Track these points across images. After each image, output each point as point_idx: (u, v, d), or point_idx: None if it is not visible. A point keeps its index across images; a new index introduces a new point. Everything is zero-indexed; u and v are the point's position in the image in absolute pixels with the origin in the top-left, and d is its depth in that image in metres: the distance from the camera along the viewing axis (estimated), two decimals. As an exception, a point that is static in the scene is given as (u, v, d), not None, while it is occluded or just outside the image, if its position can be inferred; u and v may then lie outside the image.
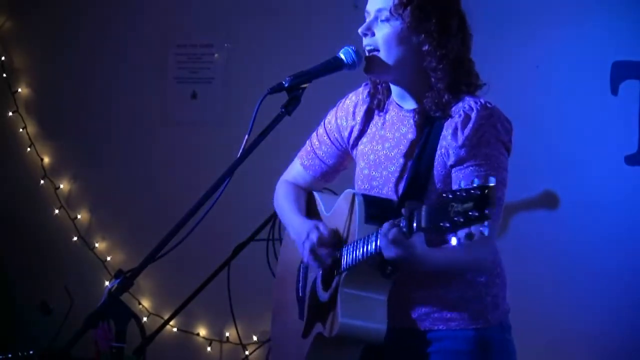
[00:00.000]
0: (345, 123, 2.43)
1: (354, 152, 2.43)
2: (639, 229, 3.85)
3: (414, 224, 1.91)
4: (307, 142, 2.55)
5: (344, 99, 2.48)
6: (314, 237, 2.27)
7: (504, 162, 2.17)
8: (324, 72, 2.24)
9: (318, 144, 2.50)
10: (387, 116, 2.35)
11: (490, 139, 2.15)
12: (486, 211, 1.72)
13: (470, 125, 2.15)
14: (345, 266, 2.22)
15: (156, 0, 4.55)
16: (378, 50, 2.23)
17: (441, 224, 1.79)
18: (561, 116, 3.94)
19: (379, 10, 2.22)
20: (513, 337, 2.32)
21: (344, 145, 2.46)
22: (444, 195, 1.79)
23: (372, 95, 2.37)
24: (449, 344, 2.25)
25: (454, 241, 1.78)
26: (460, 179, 2.12)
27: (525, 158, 3.79)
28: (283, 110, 2.19)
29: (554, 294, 3.89)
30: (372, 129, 2.38)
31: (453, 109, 2.20)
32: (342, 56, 2.26)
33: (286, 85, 2.18)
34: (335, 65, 2.25)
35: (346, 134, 2.43)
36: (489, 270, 2.28)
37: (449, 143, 2.18)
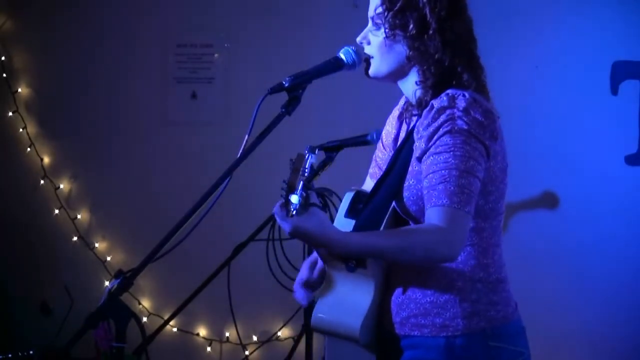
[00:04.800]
0: (390, 128, 2.45)
1: None
2: (639, 228, 3.86)
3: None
4: None
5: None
6: (302, 274, 2.38)
7: (470, 152, 2.07)
8: (324, 72, 2.25)
9: (377, 151, 2.52)
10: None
11: (452, 127, 2.08)
12: (289, 179, 1.89)
13: (431, 114, 2.13)
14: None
15: (156, 0, 4.55)
16: (372, 57, 2.25)
17: (284, 196, 1.96)
18: (561, 116, 3.94)
19: (371, 18, 2.24)
20: (508, 344, 2.20)
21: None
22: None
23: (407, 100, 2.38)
24: (420, 352, 2.18)
25: (290, 213, 1.97)
26: (423, 171, 2.10)
27: (526, 158, 3.81)
28: (283, 110, 2.19)
29: (553, 293, 3.89)
30: (401, 132, 2.40)
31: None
32: (342, 56, 2.26)
33: (286, 85, 2.18)
34: (335, 65, 2.26)
35: (390, 139, 2.44)
36: (468, 274, 2.18)
37: (417, 138, 2.17)
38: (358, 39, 2.26)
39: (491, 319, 2.17)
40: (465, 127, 2.08)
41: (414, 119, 2.29)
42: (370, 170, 2.55)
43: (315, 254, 2.39)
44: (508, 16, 3.92)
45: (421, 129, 2.14)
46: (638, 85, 3.85)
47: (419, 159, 2.14)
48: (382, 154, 2.49)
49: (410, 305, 2.20)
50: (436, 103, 2.14)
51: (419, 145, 2.14)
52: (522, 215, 3.89)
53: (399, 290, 2.22)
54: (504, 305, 2.20)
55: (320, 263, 2.36)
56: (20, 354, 4.32)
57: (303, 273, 2.37)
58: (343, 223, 2.23)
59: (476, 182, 2.07)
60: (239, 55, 4.44)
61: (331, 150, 2.51)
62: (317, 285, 2.34)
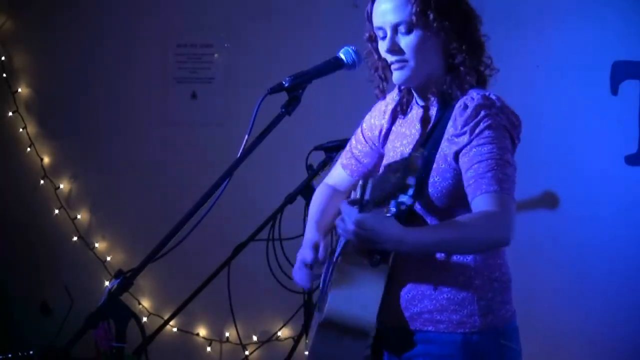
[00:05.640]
0: (377, 122, 2.47)
1: (384, 150, 2.45)
2: (639, 228, 3.86)
3: (364, 198, 1.96)
4: (348, 143, 2.58)
5: (382, 99, 2.49)
6: (306, 256, 2.33)
7: (508, 145, 2.17)
8: (324, 72, 2.25)
9: (355, 143, 2.53)
10: (409, 114, 2.38)
11: (492, 122, 2.15)
12: (407, 180, 1.80)
13: (468, 111, 2.17)
14: (337, 254, 2.26)
15: (156, 0, 4.55)
16: (407, 62, 2.23)
17: (378, 194, 1.87)
18: (561, 116, 3.94)
19: (397, 25, 2.21)
20: (515, 343, 2.27)
21: (376, 145, 2.48)
22: (386, 167, 1.87)
23: (400, 97, 2.39)
24: (435, 347, 2.23)
25: (388, 211, 1.88)
26: (464, 163, 2.14)
27: (525, 158, 3.78)
28: (283, 110, 2.20)
29: (553, 293, 3.90)
30: (397, 127, 2.41)
31: (458, 102, 2.22)
32: (342, 56, 2.27)
33: (286, 85, 2.19)
34: (335, 65, 2.26)
35: (377, 132, 2.46)
36: (486, 272, 2.24)
37: (450, 134, 2.20)
38: (387, 49, 2.23)
39: (502, 318, 2.25)
40: (503, 122, 2.16)
41: (428, 115, 2.31)
42: (344, 162, 2.55)
43: (313, 236, 2.39)
44: (509, 16, 3.92)
45: (459, 126, 2.17)
46: (638, 85, 3.85)
47: (457, 154, 2.17)
48: (362, 147, 2.50)
49: (423, 301, 2.23)
50: (470, 102, 2.18)
51: (459, 141, 2.17)
52: (522, 215, 3.89)
53: (409, 286, 2.25)
54: (510, 305, 2.28)
55: (322, 244, 2.36)
56: (20, 354, 4.32)
57: (307, 254, 2.34)
58: None
59: (514, 173, 2.14)
60: (239, 55, 4.44)
61: (331, 150, 2.53)
62: (320, 266, 2.34)
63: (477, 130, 2.14)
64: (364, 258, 2.17)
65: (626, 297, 3.85)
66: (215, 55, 4.49)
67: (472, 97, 2.20)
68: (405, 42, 2.22)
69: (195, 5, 4.48)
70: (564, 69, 3.93)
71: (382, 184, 1.87)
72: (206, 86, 4.50)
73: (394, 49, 2.22)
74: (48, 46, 4.66)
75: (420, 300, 2.24)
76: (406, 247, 2.04)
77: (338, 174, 2.57)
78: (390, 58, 2.25)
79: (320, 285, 2.53)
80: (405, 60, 2.23)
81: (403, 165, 1.85)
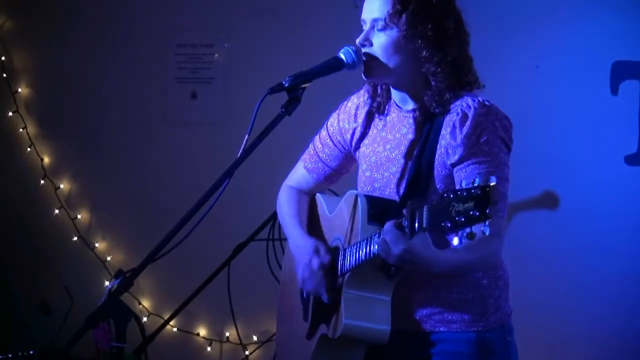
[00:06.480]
0: (347, 125, 2.44)
1: (357, 154, 2.44)
2: (639, 229, 3.86)
3: (416, 224, 1.94)
4: (310, 145, 2.56)
5: (346, 102, 2.48)
6: (314, 263, 2.32)
7: (504, 158, 2.18)
8: (324, 72, 2.25)
9: (321, 147, 2.51)
10: (387, 118, 2.36)
11: (489, 136, 2.15)
12: (487, 210, 1.76)
13: (468, 123, 2.16)
14: (348, 267, 2.24)
15: (156, 0, 4.55)
16: (373, 57, 2.25)
17: (442, 223, 1.83)
18: (561, 116, 3.94)
19: (375, 20, 2.23)
20: (515, 339, 2.32)
21: (346, 148, 2.46)
22: (445, 195, 1.83)
23: (372, 98, 2.37)
24: (449, 346, 2.26)
25: (455, 241, 1.82)
26: (462, 178, 2.13)
27: (525, 158, 3.79)
28: (283, 110, 2.19)
29: (553, 294, 3.90)
30: (373, 130, 2.39)
31: (452, 105, 2.21)
32: (342, 56, 2.26)
33: (286, 85, 2.19)
34: (335, 65, 2.26)
35: (348, 136, 2.44)
36: (492, 272, 2.28)
37: (447, 142, 2.19)
38: (358, 40, 2.26)
39: (506, 315, 2.30)
40: (500, 134, 2.17)
41: (408, 119, 2.29)
42: (310, 166, 2.54)
43: (308, 240, 2.38)
44: (508, 16, 3.92)
45: (458, 136, 2.16)
46: (638, 85, 3.85)
47: (455, 165, 2.18)
48: (329, 150, 2.49)
49: (432, 302, 2.26)
50: (468, 110, 2.17)
51: (457, 153, 2.17)
52: (522, 215, 3.89)
53: (415, 289, 2.26)
54: (510, 302, 2.33)
55: (322, 248, 2.35)
56: (20, 354, 4.31)
57: (314, 261, 2.33)
58: (368, 229, 2.22)
59: (508, 186, 2.17)
60: (239, 55, 4.44)
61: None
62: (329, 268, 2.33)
63: (476, 146, 2.15)
64: (379, 271, 2.17)
65: (626, 297, 3.85)
66: (215, 55, 4.49)
67: (468, 104, 2.19)
68: (377, 39, 2.23)
69: (195, 5, 4.48)
70: (563, 69, 3.93)
71: (445, 212, 1.81)
72: (206, 86, 4.50)
73: (363, 42, 2.25)
74: (48, 46, 4.66)
75: (428, 303, 2.26)
76: (437, 270, 2.10)
77: (302, 177, 2.56)
78: (362, 50, 2.26)
79: (305, 293, 2.50)
80: (372, 56, 2.24)
81: (474, 195, 1.77)
